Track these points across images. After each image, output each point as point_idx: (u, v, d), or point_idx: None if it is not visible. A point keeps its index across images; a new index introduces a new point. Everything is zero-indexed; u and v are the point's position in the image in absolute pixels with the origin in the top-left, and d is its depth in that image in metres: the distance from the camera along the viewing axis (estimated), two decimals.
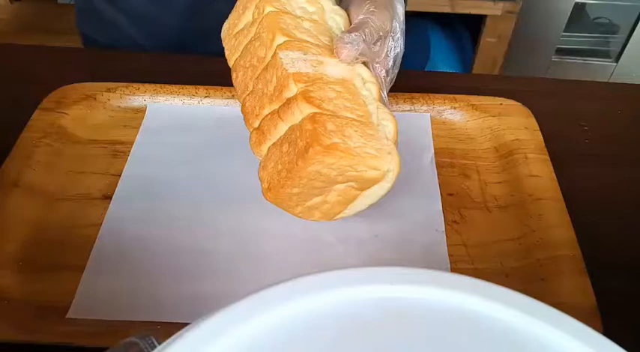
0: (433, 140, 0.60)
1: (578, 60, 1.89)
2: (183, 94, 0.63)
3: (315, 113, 0.39)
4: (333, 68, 0.43)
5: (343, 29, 0.47)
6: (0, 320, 0.43)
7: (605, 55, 1.88)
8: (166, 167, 0.57)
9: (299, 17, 0.45)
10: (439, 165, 0.58)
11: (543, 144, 0.58)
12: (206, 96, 0.63)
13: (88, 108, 0.61)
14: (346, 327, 0.22)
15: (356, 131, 0.40)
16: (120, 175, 0.56)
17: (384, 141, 0.41)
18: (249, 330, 0.22)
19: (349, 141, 0.39)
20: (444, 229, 0.52)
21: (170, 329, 0.24)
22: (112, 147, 0.59)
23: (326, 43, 0.44)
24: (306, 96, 0.39)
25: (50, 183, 0.55)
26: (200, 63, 0.69)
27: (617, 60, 1.87)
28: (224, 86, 0.63)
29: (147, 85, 0.63)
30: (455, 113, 0.63)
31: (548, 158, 0.57)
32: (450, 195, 0.55)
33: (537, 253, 0.49)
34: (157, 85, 0.63)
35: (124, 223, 0.52)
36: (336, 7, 0.48)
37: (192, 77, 0.65)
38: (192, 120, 0.62)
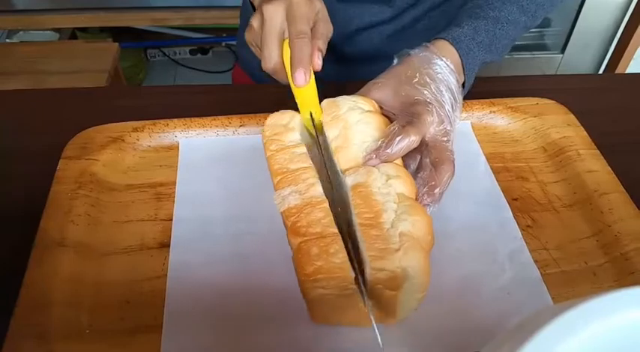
0: (480, 146, 0.60)
1: (526, 55, 1.97)
2: (216, 126, 0.60)
3: (301, 242, 0.40)
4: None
5: (374, 133, 0.47)
6: None
7: (548, 47, 1.97)
8: (216, 204, 0.53)
9: (295, 146, 0.47)
10: (493, 171, 0.57)
11: (589, 138, 0.59)
12: (241, 126, 0.60)
13: (118, 152, 0.57)
14: None
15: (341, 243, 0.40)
16: (169, 219, 0.52)
17: (394, 239, 0.40)
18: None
19: (333, 258, 0.39)
20: (520, 235, 0.51)
21: None
22: (153, 191, 0.54)
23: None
24: (292, 230, 0.41)
25: (98, 238, 0.50)
26: (227, 91, 0.65)
27: (562, 51, 1.96)
28: (258, 113, 0.60)
29: (175, 120, 0.59)
30: (495, 117, 0.62)
31: (598, 151, 0.58)
32: (515, 199, 0.54)
33: (619, 247, 0.49)
34: (187, 118, 0.59)
35: (190, 271, 0.48)
36: (362, 116, 0.48)
37: (221, 106, 0.61)
38: (231, 151, 0.58)
